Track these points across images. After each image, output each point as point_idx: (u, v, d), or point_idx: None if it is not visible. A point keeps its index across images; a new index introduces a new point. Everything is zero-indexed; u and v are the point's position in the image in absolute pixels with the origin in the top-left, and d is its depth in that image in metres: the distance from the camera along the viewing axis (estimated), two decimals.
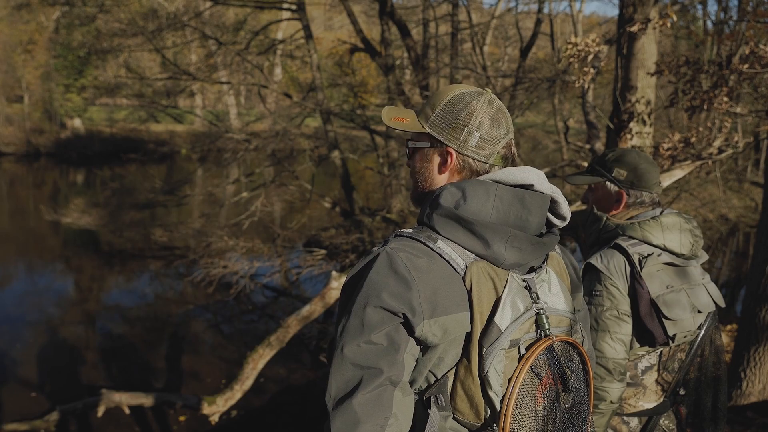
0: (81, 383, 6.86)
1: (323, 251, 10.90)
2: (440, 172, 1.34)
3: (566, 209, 1.35)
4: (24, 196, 19.60)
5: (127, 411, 5.94)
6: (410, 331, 1.16)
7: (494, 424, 1.20)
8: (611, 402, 1.88)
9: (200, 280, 9.81)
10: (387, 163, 13.32)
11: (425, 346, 1.20)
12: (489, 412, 1.20)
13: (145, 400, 5.89)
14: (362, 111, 15.09)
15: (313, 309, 6.02)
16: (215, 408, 5.77)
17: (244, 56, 13.02)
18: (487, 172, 1.31)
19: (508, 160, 1.33)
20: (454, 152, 1.32)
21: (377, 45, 13.66)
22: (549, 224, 1.37)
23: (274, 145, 12.49)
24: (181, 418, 6.12)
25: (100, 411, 5.74)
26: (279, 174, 12.97)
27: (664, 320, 1.90)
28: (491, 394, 1.17)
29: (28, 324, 8.53)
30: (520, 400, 1.18)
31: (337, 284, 5.80)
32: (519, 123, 15.49)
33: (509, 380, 1.18)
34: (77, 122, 29.38)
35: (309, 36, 12.62)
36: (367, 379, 1.13)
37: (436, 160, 1.34)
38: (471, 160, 1.31)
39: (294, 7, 12.61)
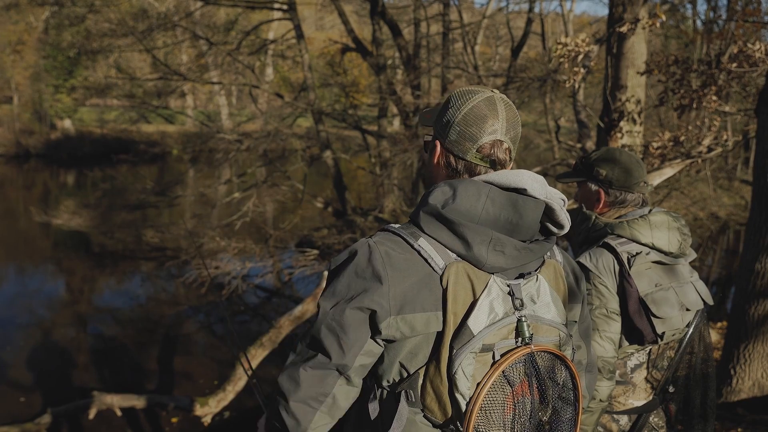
0: (72, 385, 6.82)
1: (315, 251, 10.89)
2: (436, 164, 1.36)
3: (563, 217, 1.30)
4: (14, 198, 19.47)
5: (118, 413, 5.92)
6: (376, 326, 1.18)
7: (459, 426, 1.20)
8: (600, 400, 1.89)
9: (192, 280, 9.78)
10: (379, 162, 13.32)
11: (391, 340, 1.22)
12: (455, 413, 1.20)
13: (137, 401, 5.87)
14: (354, 111, 15.10)
15: (306, 309, 6.01)
16: (208, 409, 5.76)
17: (235, 56, 12.99)
18: (472, 170, 1.31)
19: (495, 162, 1.30)
20: (439, 144, 1.34)
21: (368, 45, 13.66)
22: (548, 232, 1.34)
23: (265, 145, 12.46)
24: (174, 420, 6.10)
25: (92, 413, 5.71)
26: (271, 174, 12.96)
27: (652, 318, 1.91)
28: (457, 395, 1.18)
29: (19, 326, 8.47)
30: (486, 404, 1.18)
31: None
32: None
33: (478, 384, 1.18)
34: (67, 123, 29.18)
35: (300, 36, 12.60)
36: (319, 358, 1.21)
37: (433, 151, 1.36)
38: (452, 156, 1.32)
39: (285, 7, 12.59)
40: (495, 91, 1.32)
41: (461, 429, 1.20)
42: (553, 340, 1.26)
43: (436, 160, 1.35)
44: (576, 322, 1.43)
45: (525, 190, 1.25)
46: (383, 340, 1.22)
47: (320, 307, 1.23)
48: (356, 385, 1.24)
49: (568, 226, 1.33)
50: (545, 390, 1.23)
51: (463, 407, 1.18)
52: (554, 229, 1.33)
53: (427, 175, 1.41)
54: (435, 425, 1.25)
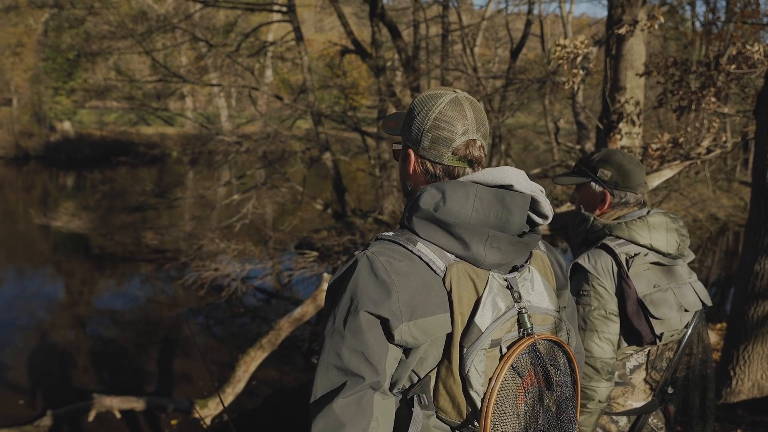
0: (72, 388, 6.82)
1: (315, 253, 10.89)
2: (412, 172, 1.36)
3: (547, 208, 1.35)
4: (13, 200, 19.46)
5: (118, 415, 5.91)
6: (390, 334, 1.17)
7: (476, 423, 1.22)
8: (599, 401, 1.89)
9: (192, 282, 9.77)
10: (378, 164, 13.32)
11: (406, 348, 1.22)
12: (470, 410, 1.21)
13: (137, 404, 5.87)
14: (353, 112, 15.11)
15: (305, 311, 6.02)
16: (207, 411, 5.76)
17: (234, 58, 13.00)
18: (451, 173, 1.31)
19: (473, 162, 1.32)
20: (413, 153, 1.35)
21: (368, 47, 13.66)
22: (532, 223, 1.38)
23: (265, 147, 12.47)
24: (173, 422, 6.09)
25: (92, 415, 5.71)
26: (270, 176, 12.96)
27: (651, 319, 1.91)
28: (472, 393, 1.19)
29: (18, 328, 8.47)
30: (500, 398, 1.19)
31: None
32: (510, 124, 15.54)
33: (490, 379, 1.19)
34: (67, 125, 29.19)
35: (300, 38, 12.61)
36: (349, 383, 1.15)
37: (406, 160, 1.37)
38: (428, 162, 1.33)
39: (284, 9, 12.60)
40: (457, 91, 1.33)
41: (476, 425, 1.21)
42: (549, 327, 1.29)
43: (412, 169, 1.36)
44: (565, 307, 1.47)
45: (512, 186, 1.28)
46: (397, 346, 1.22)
47: (330, 334, 1.18)
48: (390, 396, 1.23)
49: (552, 216, 1.36)
50: (550, 376, 1.25)
51: (479, 404, 1.19)
52: (539, 220, 1.36)
53: (404, 182, 1.41)
54: (449, 426, 1.25)
